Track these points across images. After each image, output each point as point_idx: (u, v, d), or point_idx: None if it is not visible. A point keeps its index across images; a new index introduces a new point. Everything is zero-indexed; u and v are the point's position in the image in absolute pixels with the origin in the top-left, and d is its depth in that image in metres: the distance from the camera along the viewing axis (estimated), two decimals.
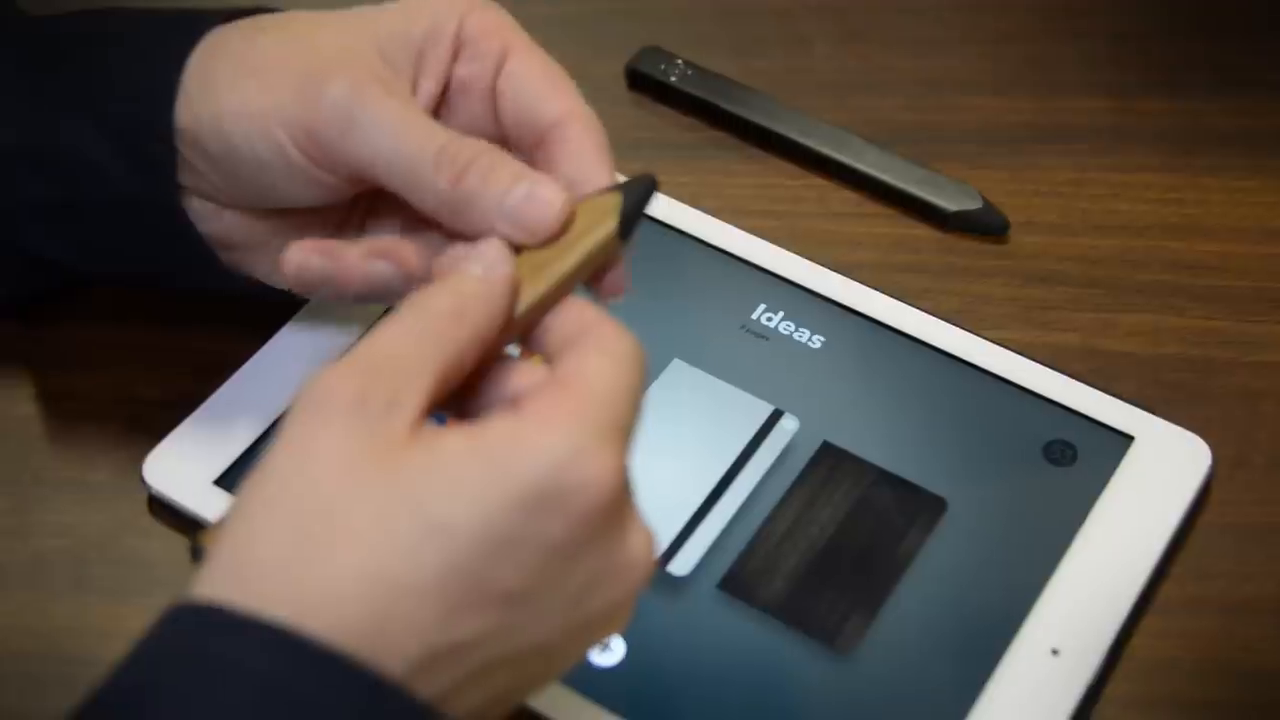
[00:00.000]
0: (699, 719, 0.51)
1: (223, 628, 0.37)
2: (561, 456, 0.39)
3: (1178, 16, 0.74)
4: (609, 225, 0.46)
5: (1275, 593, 0.55)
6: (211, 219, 0.52)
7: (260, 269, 0.53)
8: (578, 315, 0.44)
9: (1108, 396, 0.58)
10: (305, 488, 0.39)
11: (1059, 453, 0.57)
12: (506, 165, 0.47)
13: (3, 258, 0.55)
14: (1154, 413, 0.58)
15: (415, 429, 0.40)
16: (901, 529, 0.55)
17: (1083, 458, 0.57)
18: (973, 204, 0.65)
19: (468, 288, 0.43)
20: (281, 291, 0.52)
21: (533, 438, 0.39)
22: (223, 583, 0.38)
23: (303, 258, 0.48)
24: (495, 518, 0.38)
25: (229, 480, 0.55)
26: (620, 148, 0.66)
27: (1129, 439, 0.57)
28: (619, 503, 0.40)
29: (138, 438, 0.57)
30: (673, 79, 0.70)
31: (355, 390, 0.39)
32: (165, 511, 0.56)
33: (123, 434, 0.58)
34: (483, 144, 0.48)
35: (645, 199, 0.47)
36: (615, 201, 0.47)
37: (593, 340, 0.43)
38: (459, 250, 0.45)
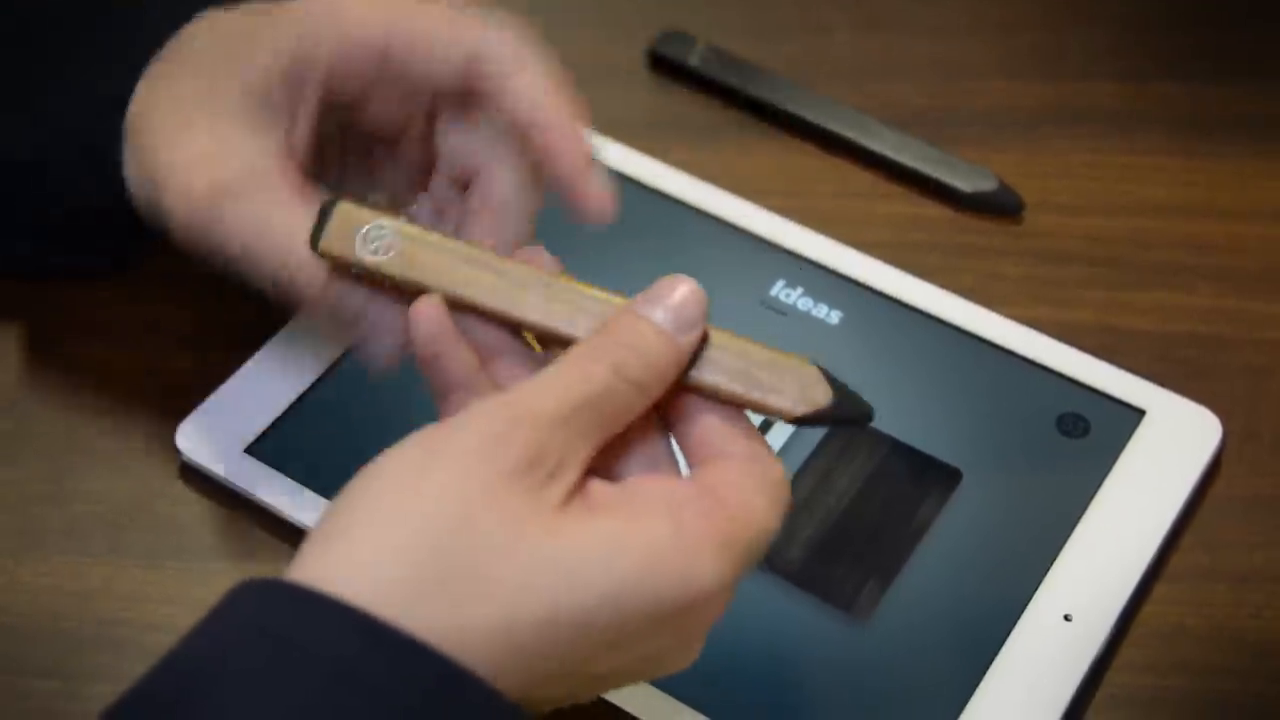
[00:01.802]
0: (717, 683, 0.52)
1: (292, 606, 0.38)
2: (711, 589, 0.41)
3: (1188, 5, 0.75)
4: (806, 397, 0.45)
5: None
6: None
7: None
8: (739, 425, 0.45)
9: (1120, 371, 0.59)
10: (454, 523, 0.39)
11: (1072, 425, 0.58)
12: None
13: None
14: (1165, 387, 0.59)
15: (570, 497, 0.41)
16: (917, 499, 0.56)
17: (1095, 430, 0.58)
18: (988, 185, 0.66)
19: (657, 358, 0.43)
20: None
21: (693, 562, 0.41)
22: (337, 581, 0.38)
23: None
24: (626, 626, 0.40)
25: (260, 448, 0.57)
26: (641, 129, 0.68)
27: (1141, 412, 0.58)
28: (723, 605, 0.43)
29: (171, 407, 0.58)
30: (694, 62, 0.71)
31: (532, 449, 0.40)
32: (197, 479, 0.57)
33: (156, 403, 0.59)
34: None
35: (849, 417, 0.45)
36: (825, 389, 0.45)
37: (755, 466, 0.43)
38: (653, 291, 0.44)
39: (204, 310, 0.62)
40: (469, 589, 0.38)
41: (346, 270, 0.47)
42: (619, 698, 0.51)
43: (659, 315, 0.44)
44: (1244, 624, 0.54)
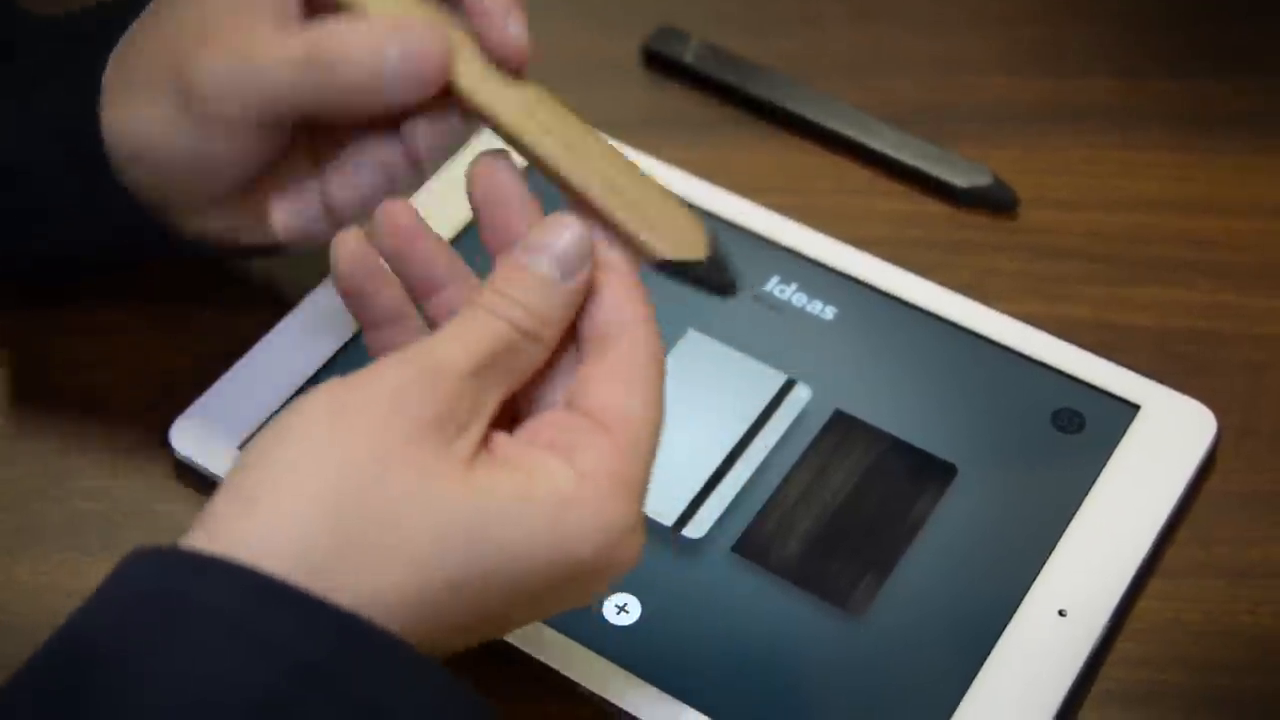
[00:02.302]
0: (714, 678, 0.52)
1: (190, 570, 0.38)
2: (620, 532, 0.42)
3: (1186, 2, 0.75)
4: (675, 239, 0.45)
5: (1278, 557, 0.56)
6: (196, 218, 0.53)
7: (212, 228, 0.53)
8: (617, 307, 0.44)
9: (1115, 366, 0.59)
10: (366, 478, 0.39)
11: (1067, 420, 0.58)
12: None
13: None
14: (1162, 383, 0.59)
15: (478, 450, 0.42)
16: (912, 494, 0.56)
17: (1090, 425, 0.58)
18: (984, 180, 0.66)
19: (549, 304, 0.43)
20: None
21: (587, 509, 0.41)
22: (265, 551, 0.38)
23: (289, 214, 0.51)
24: (539, 575, 0.41)
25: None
26: (636, 125, 0.68)
27: (1136, 408, 0.58)
28: (631, 565, 0.44)
29: (165, 405, 0.58)
30: (689, 58, 0.71)
31: (440, 408, 0.41)
32: (193, 476, 0.57)
33: (150, 401, 0.59)
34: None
35: (711, 281, 0.46)
36: (703, 240, 0.46)
37: (623, 368, 0.43)
38: (534, 231, 0.44)
39: (197, 306, 0.62)
40: (381, 548, 0.39)
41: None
42: (614, 694, 0.51)
43: (545, 265, 0.44)
44: (1240, 619, 0.54)
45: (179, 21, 0.50)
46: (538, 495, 0.41)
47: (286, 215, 0.51)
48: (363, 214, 0.50)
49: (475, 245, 0.48)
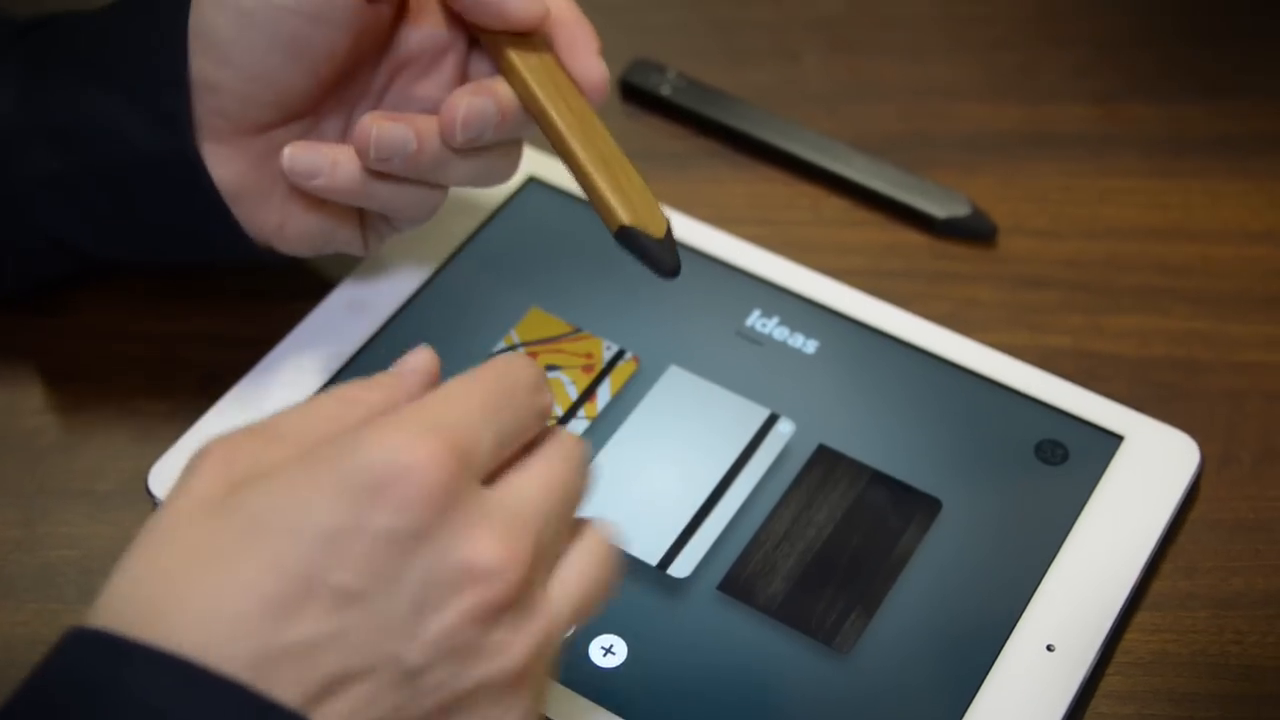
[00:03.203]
0: (702, 719, 0.52)
1: (114, 657, 0.37)
2: (378, 446, 0.39)
3: (1159, 24, 0.75)
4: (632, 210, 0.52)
5: (1264, 586, 0.56)
6: (226, 162, 0.54)
7: (270, 222, 0.55)
8: None
9: (1097, 397, 0.59)
10: (159, 527, 0.39)
11: (1050, 452, 0.58)
12: None
13: (20, 241, 0.57)
14: (1143, 412, 0.59)
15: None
16: (897, 529, 0.56)
17: (1074, 457, 0.58)
18: (962, 210, 0.66)
19: (373, 380, 0.43)
20: (285, 260, 0.57)
21: (353, 436, 0.39)
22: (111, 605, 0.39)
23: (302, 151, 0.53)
24: (316, 511, 0.38)
25: None
26: None
27: (1119, 438, 0.58)
28: (447, 491, 0.39)
29: (143, 448, 0.57)
30: (665, 90, 0.71)
31: (227, 449, 0.40)
32: None
33: (128, 445, 0.58)
34: None
35: (655, 258, 0.52)
36: (664, 226, 0.52)
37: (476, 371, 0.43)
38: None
39: (174, 350, 0.61)
40: (171, 561, 0.38)
41: None
42: None
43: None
44: (1226, 649, 0.54)
45: None
46: (312, 450, 0.40)
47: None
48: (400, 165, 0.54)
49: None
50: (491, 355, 0.60)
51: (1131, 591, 0.54)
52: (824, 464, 0.58)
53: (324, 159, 0.54)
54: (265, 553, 0.38)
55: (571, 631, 0.42)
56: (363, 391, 0.42)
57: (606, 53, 0.72)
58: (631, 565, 0.55)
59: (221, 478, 0.40)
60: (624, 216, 0.52)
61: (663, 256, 0.52)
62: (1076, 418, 0.59)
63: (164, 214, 0.55)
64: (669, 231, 0.52)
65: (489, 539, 0.39)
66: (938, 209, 0.66)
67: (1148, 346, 0.62)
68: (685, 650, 0.53)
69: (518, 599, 0.40)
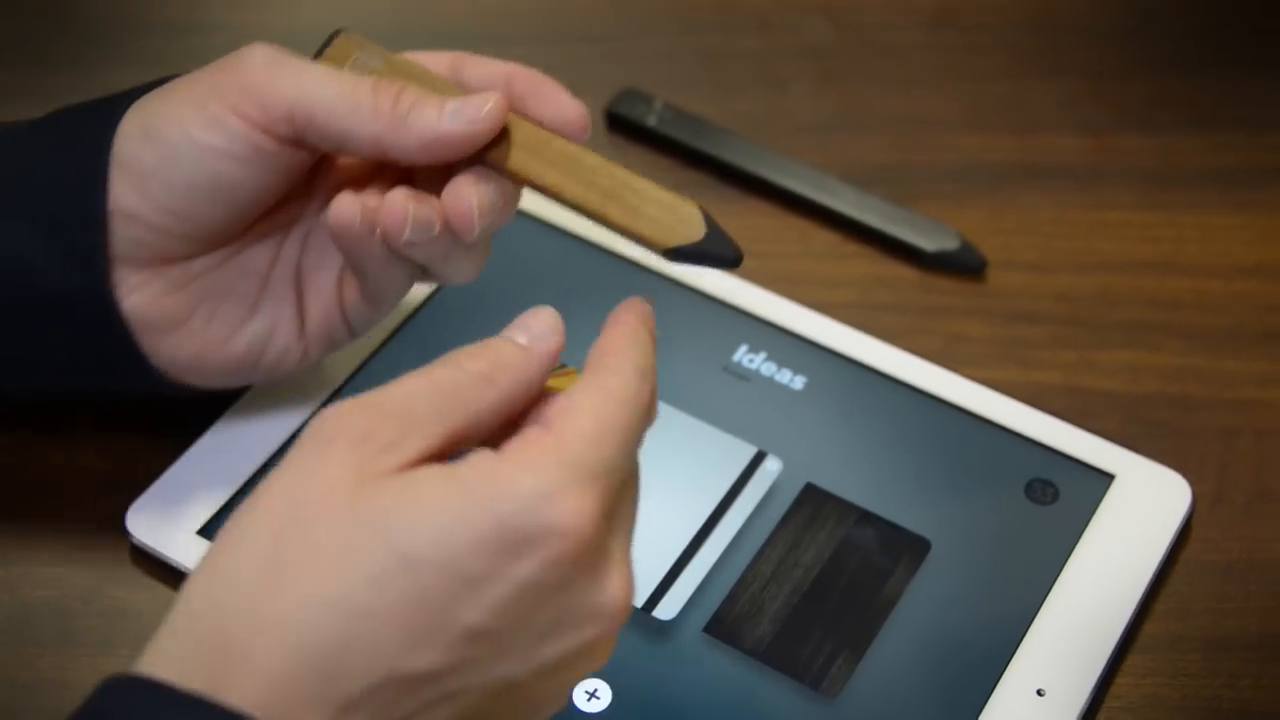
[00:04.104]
0: None
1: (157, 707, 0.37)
2: (533, 498, 0.39)
3: (1151, 54, 0.75)
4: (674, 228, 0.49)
5: (1257, 628, 0.55)
6: (140, 289, 0.51)
7: (189, 348, 0.53)
8: (607, 347, 0.44)
9: (1088, 435, 0.58)
10: (288, 510, 0.39)
11: (1041, 491, 0.57)
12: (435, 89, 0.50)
13: None
14: (1134, 450, 0.58)
15: (404, 468, 0.40)
16: (886, 570, 0.55)
17: (1064, 496, 0.57)
18: (951, 244, 0.65)
19: (505, 355, 0.43)
20: (206, 394, 0.54)
21: (506, 476, 0.39)
22: (200, 598, 0.39)
23: (351, 199, 0.50)
24: (463, 554, 0.38)
25: (212, 530, 0.55)
26: None
27: (1110, 477, 0.57)
28: (592, 547, 0.40)
29: (120, 488, 0.56)
30: (651, 121, 0.70)
31: (362, 428, 0.40)
32: (149, 562, 0.56)
33: (105, 485, 0.57)
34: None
35: (716, 256, 0.49)
36: (699, 222, 0.49)
37: (590, 375, 0.43)
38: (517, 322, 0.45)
39: None
40: (296, 568, 0.38)
41: None
42: None
43: (513, 333, 0.44)
44: (1219, 693, 0.54)
45: (246, 61, 0.50)
46: (456, 478, 0.39)
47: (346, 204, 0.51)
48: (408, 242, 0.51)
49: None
50: None
51: (1123, 634, 0.54)
52: (811, 503, 0.57)
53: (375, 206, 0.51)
54: (405, 583, 0.38)
55: None
56: (493, 370, 0.42)
57: (592, 83, 0.73)
58: None
59: (354, 463, 0.39)
60: (659, 244, 0.49)
61: (716, 253, 0.49)
62: (1067, 456, 0.58)
63: (69, 351, 0.53)
64: (709, 220, 0.49)
65: (618, 581, 0.41)
66: (927, 242, 0.66)
67: (1139, 383, 0.62)
68: (671, 694, 0.52)
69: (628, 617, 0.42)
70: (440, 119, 0.49)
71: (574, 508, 0.39)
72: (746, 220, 0.68)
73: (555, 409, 0.42)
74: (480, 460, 0.40)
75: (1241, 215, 0.67)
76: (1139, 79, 0.73)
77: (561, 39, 0.75)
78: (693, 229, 0.48)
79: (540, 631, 0.40)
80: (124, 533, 0.55)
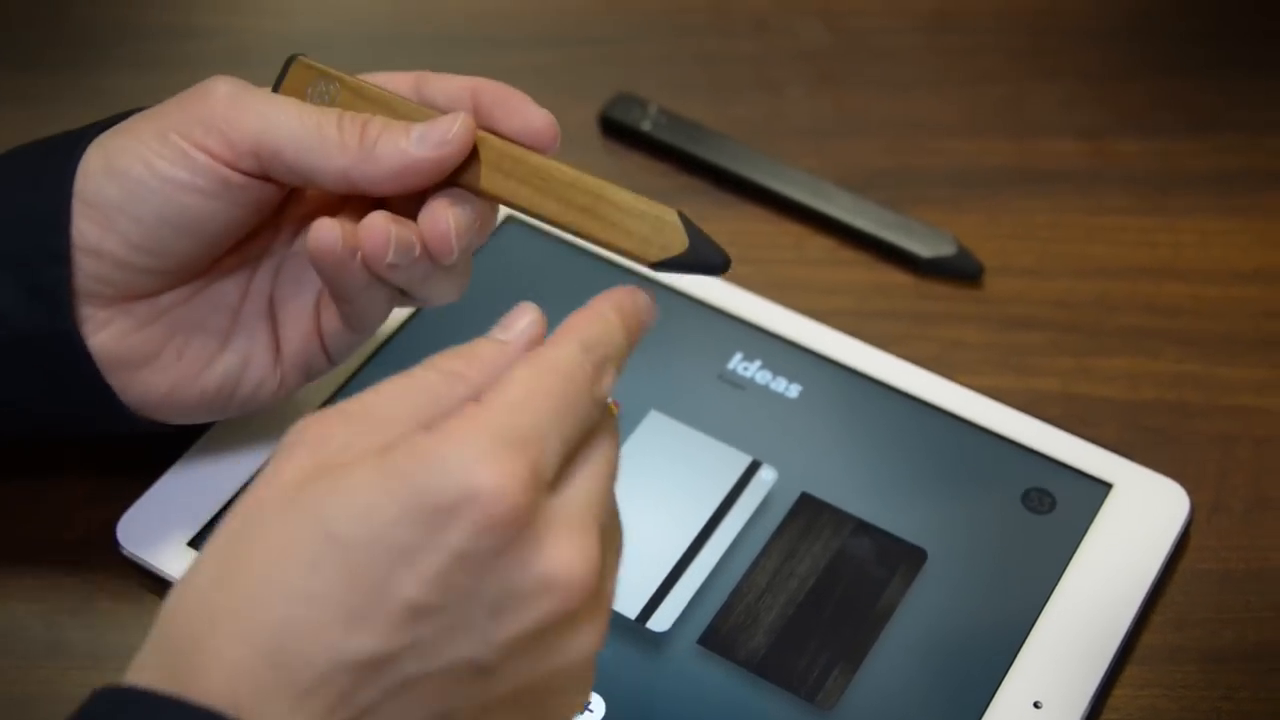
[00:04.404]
0: None
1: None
2: (453, 465, 0.38)
3: (1149, 56, 0.74)
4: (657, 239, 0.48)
5: (1255, 639, 0.55)
6: (107, 327, 0.51)
7: (161, 385, 0.52)
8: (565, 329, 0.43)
9: (1086, 443, 0.58)
10: (244, 513, 0.39)
11: (1038, 501, 0.57)
12: (399, 121, 0.49)
13: None
14: (1132, 458, 0.58)
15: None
16: (882, 581, 0.55)
17: (1061, 506, 0.57)
18: (947, 250, 0.65)
19: (479, 350, 0.42)
20: (175, 429, 0.54)
21: (429, 448, 0.39)
22: (169, 605, 0.39)
23: (331, 223, 0.49)
24: (390, 528, 0.38)
25: (203, 542, 0.55)
26: None
27: (1107, 486, 0.57)
28: (522, 511, 0.39)
29: (110, 500, 0.56)
30: (646, 126, 0.70)
31: (321, 432, 0.40)
32: (139, 574, 0.55)
33: (95, 495, 0.57)
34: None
35: (703, 264, 0.48)
36: (680, 230, 0.48)
37: (532, 351, 0.42)
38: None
39: None
40: (244, 562, 0.38)
41: None
42: None
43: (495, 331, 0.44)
44: (1217, 705, 0.53)
45: (209, 95, 0.50)
46: (385, 457, 0.39)
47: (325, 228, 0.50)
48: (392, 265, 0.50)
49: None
50: None
51: (1120, 645, 0.53)
52: (807, 513, 0.56)
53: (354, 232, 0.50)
54: (337, 563, 0.38)
55: None
56: (467, 366, 0.42)
57: (587, 87, 0.72)
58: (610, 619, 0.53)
59: (309, 463, 0.39)
60: (642, 258, 0.48)
61: (702, 260, 0.47)
62: (1064, 465, 0.58)
63: (35, 391, 0.52)
64: (690, 228, 0.48)
65: (564, 550, 0.39)
66: (923, 248, 0.65)
67: (1137, 390, 0.61)
68: (665, 707, 0.52)
69: (592, 597, 0.40)
70: (408, 146, 0.48)
71: (496, 471, 0.38)
72: (741, 226, 0.67)
73: (492, 384, 0.41)
74: (407, 439, 0.39)
75: (1240, 220, 0.67)
76: (1137, 82, 0.73)
77: (556, 42, 0.75)
78: (675, 238, 0.47)
79: (490, 606, 0.39)
80: (114, 544, 0.55)
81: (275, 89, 0.51)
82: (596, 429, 0.42)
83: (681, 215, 0.48)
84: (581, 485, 0.41)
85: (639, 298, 0.44)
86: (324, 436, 0.40)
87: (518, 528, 0.39)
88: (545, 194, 0.49)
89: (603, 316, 0.43)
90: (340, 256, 0.49)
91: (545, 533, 0.39)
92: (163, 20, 0.77)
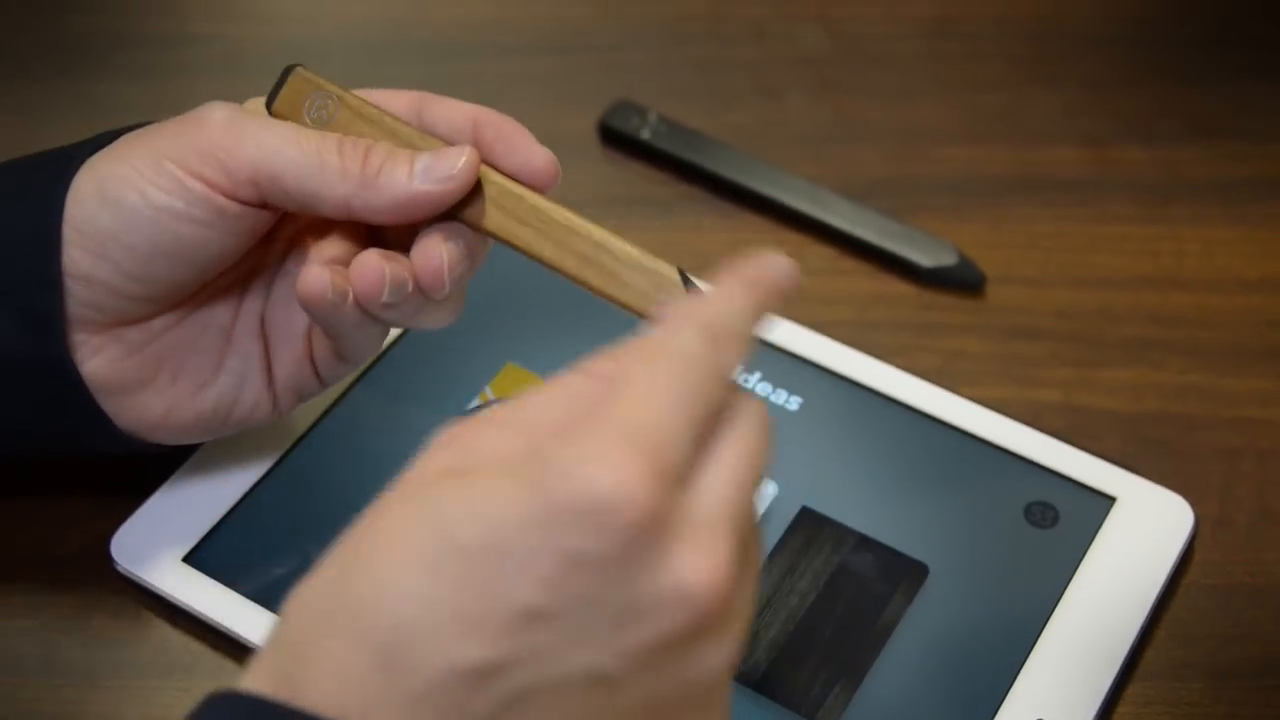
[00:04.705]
0: None
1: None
2: (574, 467, 0.36)
3: (1152, 63, 0.74)
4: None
5: (1261, 654, 0.54)
6: (100, 353, 0.50)
7: (155, 408, 0.52)
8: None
9: (1089, 456, 0.57)
10: (375, 510, 0.38)
11: (1040, 515, 0.56)
12: (401, 148, 0.49)
13: None
14: (1135, 471, 0.57)
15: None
16: (883, 597, 0.54)
17: (1064, 520, 0.56)
18: (949, 259, 0.65)
19: (628, 350, 0.40)
20: (171, 448, 0.53)
21: (554, 453, 0.37)
22: (290, 605, 0.38)
23: (319, 271, 0.49)
24: (510, 533, 0.36)
25: (199, 557, 0.54)
26: (592, 204, 0.66)
27: (1111, 500, 0.56)
28: (646, 514, 0.36)
29: (105, 514, 0.56)
30: (645, 134, 0.69)
31: (460, 435, 0.39)
32: (134, 590, 0.55)
33: (89, 511, 0.56)
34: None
35: None
36: (679, 284, 0.47)
37: (650, 342, 0.40)
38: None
39: None
40: (364, 562, 0.37)
41: None
42: None
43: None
44: None
45: (205, 122, 0.49)
46: (510, 464, 0.38)
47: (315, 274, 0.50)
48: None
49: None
50: (468, 411, 0.58)
51: (1124, 662, 0.53)
52: (807, 528, 0.56)
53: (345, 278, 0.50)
54: (456, 566, 0.36)
55: None
56: (616, 367, 0.39)
57: (586, 94, 0.72)
58: None
59: (446, 466, 0.38)
60: (637, 309, 0.47)
61: None
62: (1067, 478, 0.57)
63: (28, 416, 0.51)
64: (688, 283, 0.47)
65: (695, 557, 0.37)
66: (924, 258, 0.65)
67: (1140, 401, 0.61)
68: None
69: (724, 608, 0.38)
70: (411, 179, 0.48)
71: (616, 469, 0.36)
72: (740, 235, 0.67)
73: (618, 374, 0.39)
74: (540, 446, 0.38)
75: (1244, 228, 0.66)
76: (1141, 89, 0.72)
77: (554, 50, 0.74)
78: (674, 295, 0.47)
79: (613, 615, 0.37)
80: (108, 561, 0.55)
81: (271, 99, 0.50)
82: (731, 411, 0.39)
83: (682, 272, 0.47)
84: (716, 478, 0.38)
85: (770, 263, 0.42)
86: (470, 441, 0.39)
87: (640, 529, 0.36)
88: (544, 236, 0.49)
89: (721, 292, 0.41)
90: (331, 302, 0.49)
91: (674, 536, 0.37)
92: (157, 28, 0.76)
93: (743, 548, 0.38)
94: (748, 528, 0.39)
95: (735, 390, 0.40)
